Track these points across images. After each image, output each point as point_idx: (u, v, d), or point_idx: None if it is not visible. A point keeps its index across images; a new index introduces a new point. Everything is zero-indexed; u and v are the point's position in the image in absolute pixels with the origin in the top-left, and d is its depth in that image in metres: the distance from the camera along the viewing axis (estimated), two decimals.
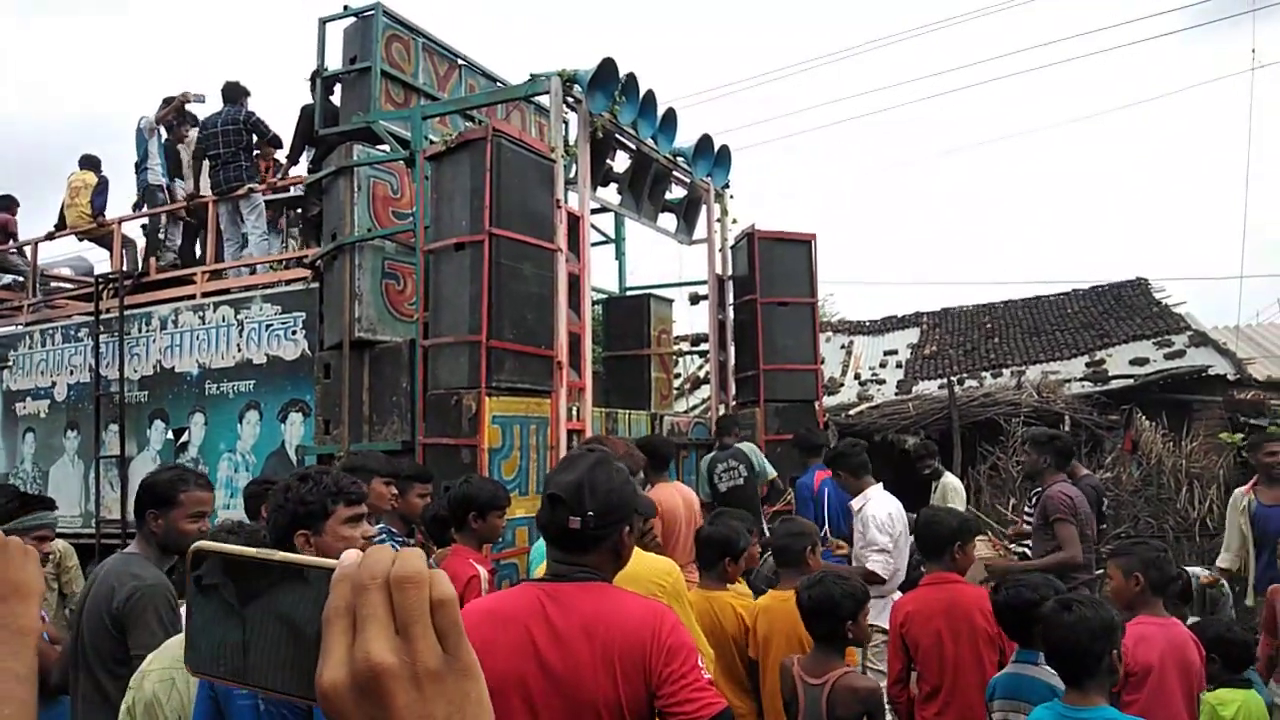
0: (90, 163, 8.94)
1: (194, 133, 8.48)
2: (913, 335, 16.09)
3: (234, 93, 7.96)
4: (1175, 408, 10.91)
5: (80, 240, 9.21)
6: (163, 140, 8.69)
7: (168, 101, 8.61)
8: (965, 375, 13.27)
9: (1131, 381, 11.48)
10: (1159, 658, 3.03)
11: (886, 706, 3.47)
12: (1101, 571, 4.75)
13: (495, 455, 4.94)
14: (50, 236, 9.10)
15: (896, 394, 13.12)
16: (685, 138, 7.25)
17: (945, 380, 12.46)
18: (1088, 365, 12.51)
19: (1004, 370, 13.25)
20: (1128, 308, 14.25)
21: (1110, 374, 11.92)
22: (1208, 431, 10.56)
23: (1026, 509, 5.80)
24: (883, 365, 14.97)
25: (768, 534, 5.97)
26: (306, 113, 7.20)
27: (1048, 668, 2.76)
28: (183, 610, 2.90)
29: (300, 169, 7.73)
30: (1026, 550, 5.35)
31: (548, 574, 2.01)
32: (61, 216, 8.94)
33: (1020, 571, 4.98)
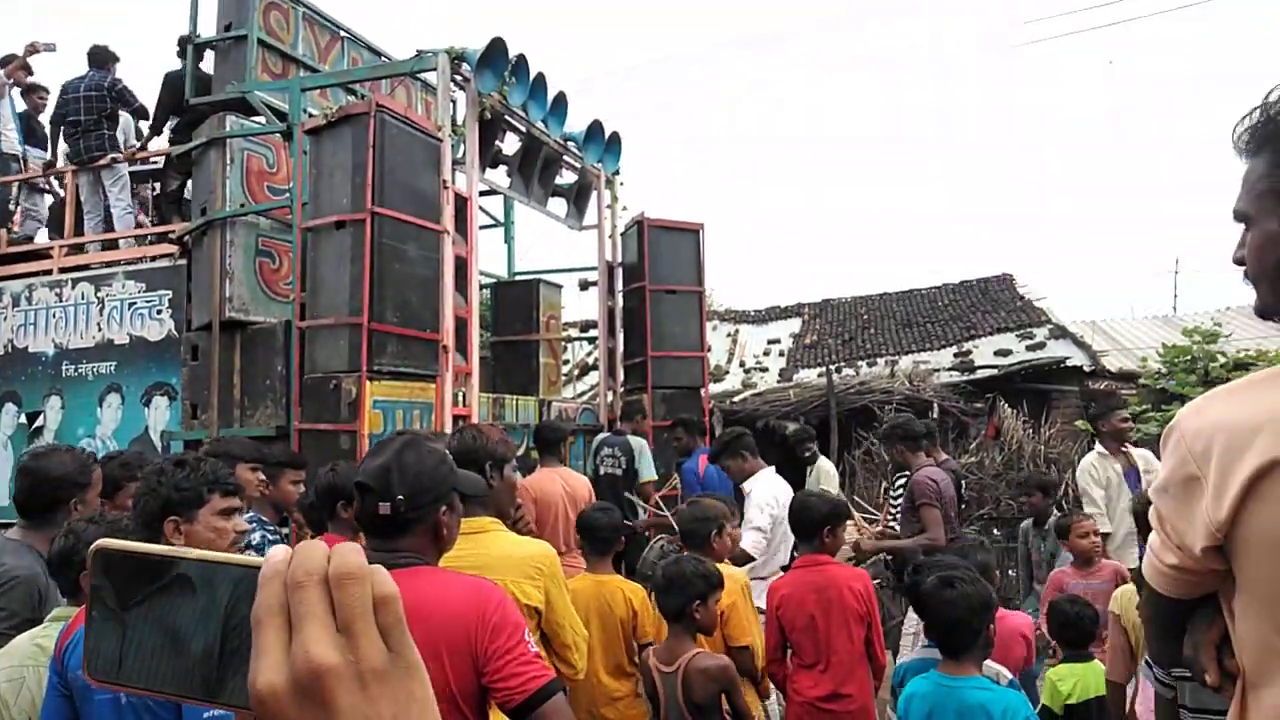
0: None
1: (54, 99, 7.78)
2: (795, 325, 16.40)
3: (101, 57, 7.35)
4: (1035, 396, 11.42)
5: None
6: (17, 110, 7.96)
7: (9, 59, 7.85)
8: (843, 364, 13.59)
9: (996, 371, 11.96)
10: None
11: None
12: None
13: (376, 441, 4.71)
14: None
15: (779, 381, 13.34)
16: (578, 122, 7.11)
17: (824, 369, 12.73)
18: (956, 355, 12.97)
19: (879, 359, 13.62)
20: (993, 302, 14.85)
21: (976, 364, 12.40)
22: (1064, 419, 11.09)
23: (893, 495, 5.91)
24: (766, 354, 15.19)
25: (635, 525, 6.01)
26: (170, 81, 6.71)
27: None
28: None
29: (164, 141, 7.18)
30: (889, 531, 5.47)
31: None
32: None
33: (887, 550, 5.14)
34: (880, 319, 15.64)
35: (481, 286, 7.55)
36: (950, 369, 12.51)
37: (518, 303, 8.21)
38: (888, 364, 13.17)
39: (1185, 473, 1.13)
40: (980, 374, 12.07)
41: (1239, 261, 1.24)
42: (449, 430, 5.10)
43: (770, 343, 15.60)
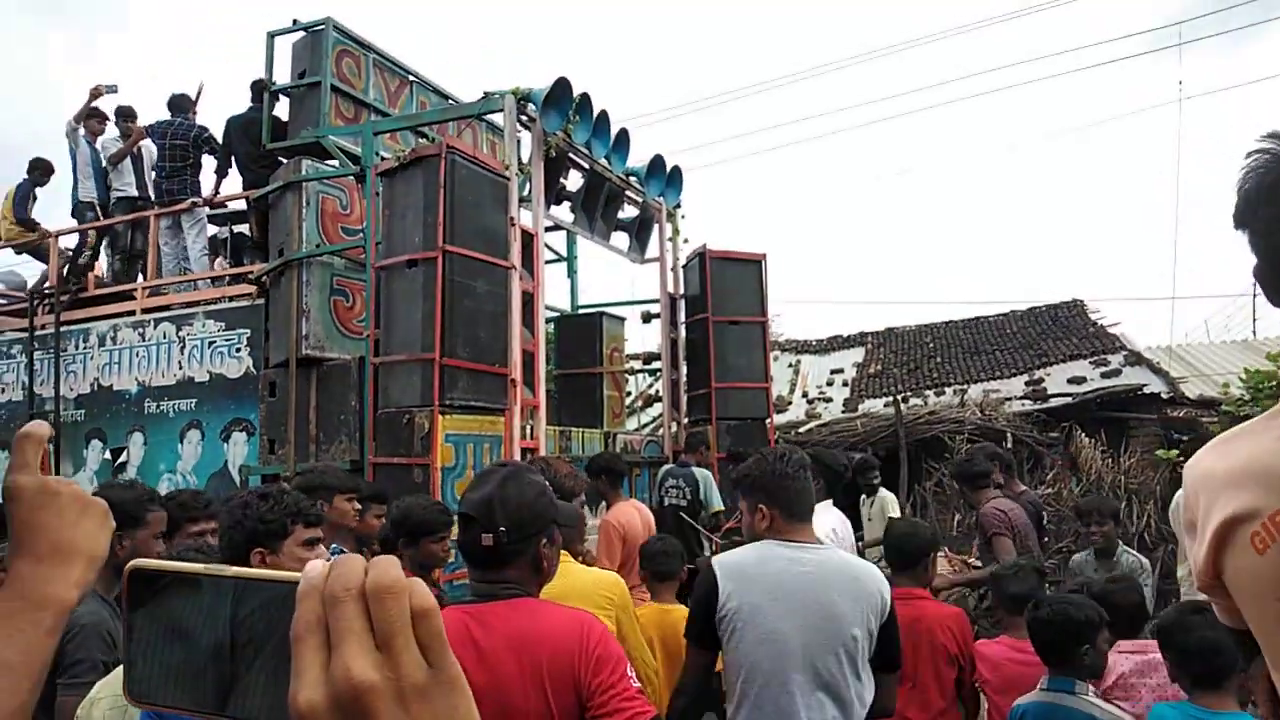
0: (34, 166, 8.45)
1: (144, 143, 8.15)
2: (858, 354, 16.33)
3: (181, 104, 7.79)
4: (1112, 425, 11.21)
5: (19, 254, 8.84)
6: (101, 155, 8.38)
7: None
8: (909, 394, 13.49)
9: (1070, 400, 11.77)
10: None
11: None
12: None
13: (448, 474, 4.88)
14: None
15: (843, 412, 13.29)
16: (639, 157, 7.30)
17: (891, 398, 12.65)
18: (1027, 384, 12.79)
19: (946, 389, 13.49)
20: (1064, 328, 14.63)
21: (1049, 392, 12.21)
22: (1144, 448, 10.86)
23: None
24: (829, 384, 15.15)
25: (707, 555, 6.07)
26: (232, 125, 7.07)
27: (1091, 698, 2.66)
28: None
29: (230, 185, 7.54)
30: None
31: (471, 594, 1.99)
32: None
33: (962, 583, 5.08)
34: (946, 347, 15.50)
35: (546, 320, 7.73)
36: (1022, 398, 12.33)
37: (581, 336, 8.39)
38: (956, 393, 13.04)
39: (1188, 518, 1.22)
40: (1054, 402, 11.89)
41: None
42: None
43: (833, 372, 15.55)
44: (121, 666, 1.88)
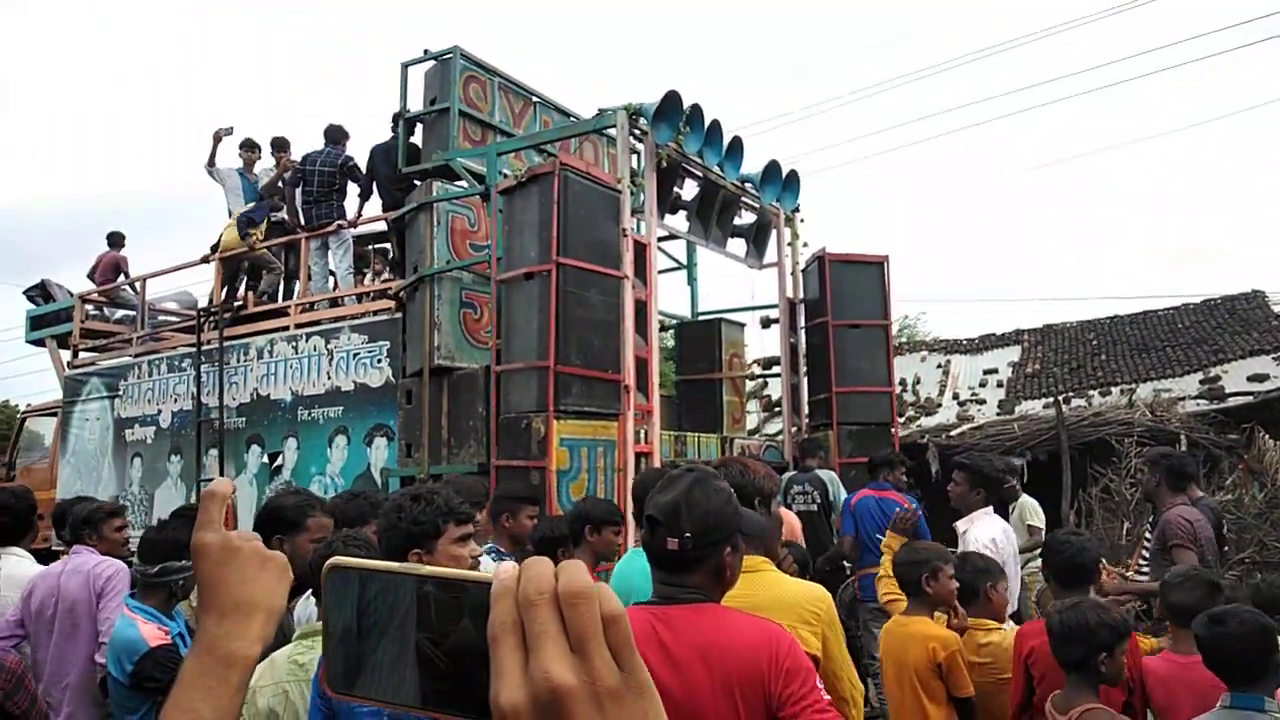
0: (270, 191, 9.43)
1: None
2: (1013, 353, 15.95)
3: (335, 134, 8.70)
4: None
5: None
6: (252, 183, 9.44)
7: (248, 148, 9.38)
8: (1071, 394, 13.15)
9: (1251, 399, 11.25)
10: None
11: None
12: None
13: (564, 477, 5.36)
14: (205, 260, 9.86)
15: (998, 414, 13.08)
16: (757, 163, 7.60)
17: (1051, 399, 12.38)
18: (1202, 382, 12.27)
19: (1113, 389, 13.08)
20: (1243, 321, 13.89)
21: (1227, 391, 11.69)
22: None
23: (1147, 535, 5.78)
24: (982, 385, 14.90)
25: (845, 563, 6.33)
26: (376, 153, 7.88)
27: None
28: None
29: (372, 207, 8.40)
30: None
31: (655, 596, 2.06)
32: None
33: (1137, 592, 4.76)
34: (1111, 344, 14.96)
35: (666, 327, 8.12)
36: (1197, 397, 11.86)
37: (701, 342, 8.77)
38: (1124, 393, 12.64)
39: None
40: (1232, 402, 11.38)
41: None
42: (631, 467, 5.70)
43: (986, 373, 15.26)
44: (277, 653, 2.46)
